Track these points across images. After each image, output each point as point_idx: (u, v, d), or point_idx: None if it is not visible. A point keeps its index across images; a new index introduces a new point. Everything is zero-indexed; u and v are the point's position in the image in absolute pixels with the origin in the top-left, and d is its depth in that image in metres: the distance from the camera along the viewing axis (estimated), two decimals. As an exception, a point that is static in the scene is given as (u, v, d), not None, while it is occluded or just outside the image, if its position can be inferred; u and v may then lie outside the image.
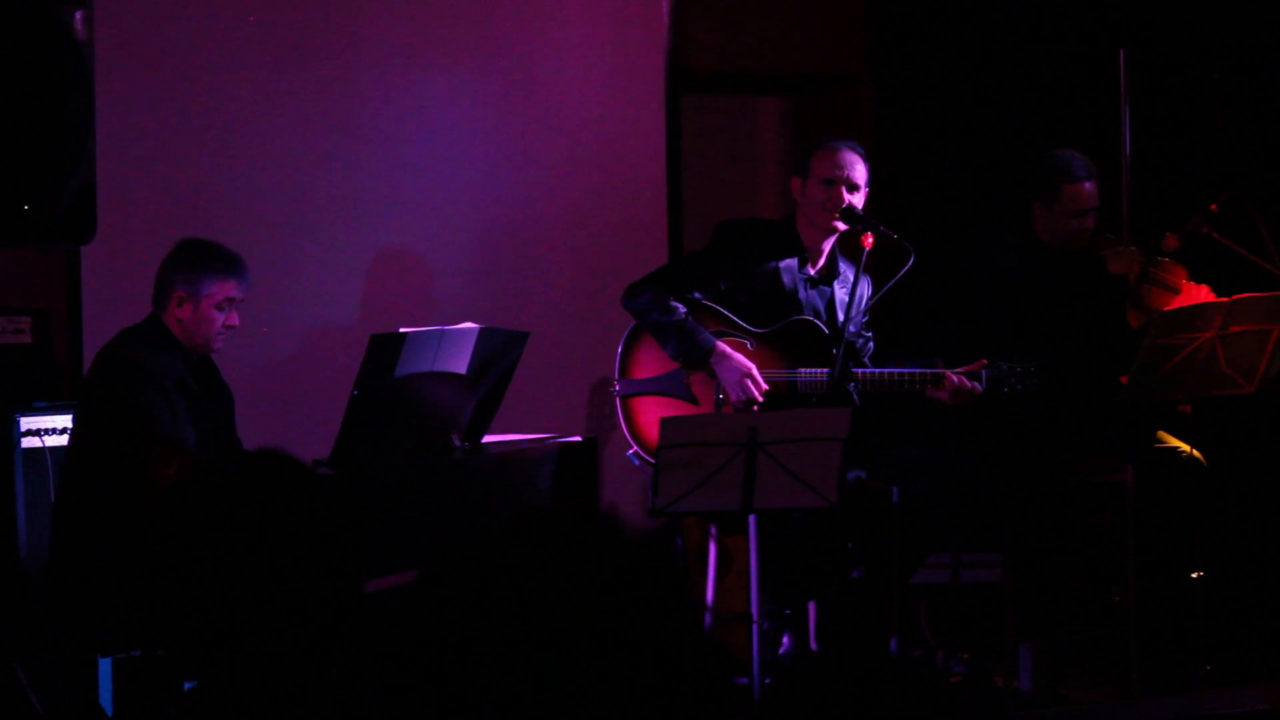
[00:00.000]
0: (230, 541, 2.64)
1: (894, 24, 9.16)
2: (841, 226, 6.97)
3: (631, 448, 6.99)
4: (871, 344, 7.14)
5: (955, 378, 6.78)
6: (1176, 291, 7.18)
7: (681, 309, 6.93)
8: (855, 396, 6.78)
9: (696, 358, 6.88)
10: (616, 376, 7.06)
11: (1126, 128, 7.42)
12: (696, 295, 6.99)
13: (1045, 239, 7.28)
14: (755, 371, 6.83)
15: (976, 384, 6.79)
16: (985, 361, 6.81)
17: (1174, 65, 8.40)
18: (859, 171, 6.97)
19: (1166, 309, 6.96)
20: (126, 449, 6.14)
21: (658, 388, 7.00)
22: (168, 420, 6.19)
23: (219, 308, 6.37)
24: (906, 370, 6.82)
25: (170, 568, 2.66)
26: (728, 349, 6.87)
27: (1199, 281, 7.19)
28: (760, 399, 6.78)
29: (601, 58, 8.39)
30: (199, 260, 6.40)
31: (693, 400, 6.94)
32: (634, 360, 7.06)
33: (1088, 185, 7.24)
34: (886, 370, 6.85)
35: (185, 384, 6.32)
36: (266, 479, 2.69)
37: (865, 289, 7.05)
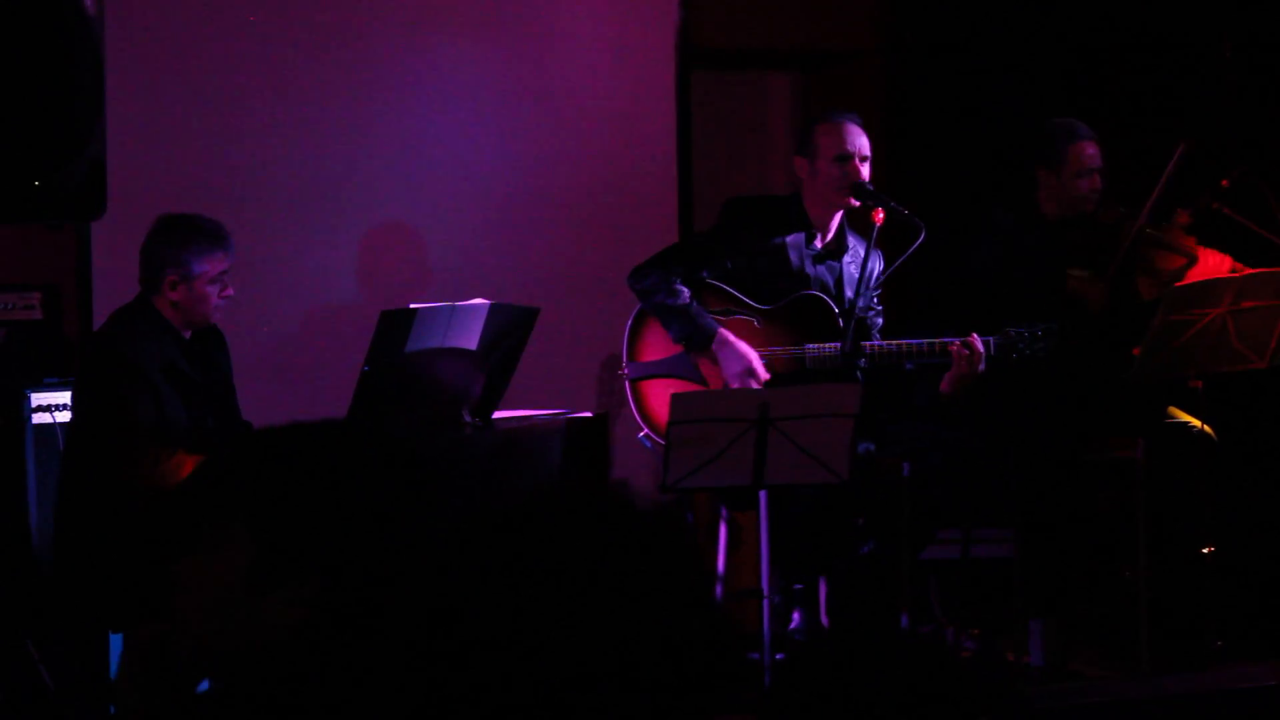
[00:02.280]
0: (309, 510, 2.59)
1: (904, 0, 9.14)
2: (855, 203, 6.96)
3: (643, 430, 6.98)
4: (880, 319, 7.13)
5: (961, 346, 6.77)
6: (1183, 253, 7.17)
7: (686, 293, 6.92)
8: (860, 374, 6.78)
9: (699, 343, 6.87)
10: (625, 360, 7.05)
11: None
12: (704, 274, 6.99)
13: (1052, 209, 7.27)
14: (756, 362, 6.82)
15: (980, 340, 6.77)
16: (975, 336, 6.81)
17: (1184, 39, 8.38)
18: (865, 142, 6.99)
19: (1180, 282, 6.94)
20: (111, 443, 6.14)
21: (667, 369, 7.00)
22: (151, 413, 6.16)
23: (213, 283, 6.34)
24: (913, 341, 6.82)
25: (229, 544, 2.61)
26: (730, 336, 6.86)
27: (1205, 245, 7.19)
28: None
29: (611, 34, 8.37)
30: (184, 239, 6.33)
31: (702, 381, 6.93)
32: (642, 343, 7.06)
33: (1090, 146, 7.26)
34: (894, 342, 6.85)
35: (176, 369, 6.28)
36: (350, 447, 2.66)
37: (876, 264, 7.05)
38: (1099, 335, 7.13)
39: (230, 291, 6.37)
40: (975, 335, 6.79)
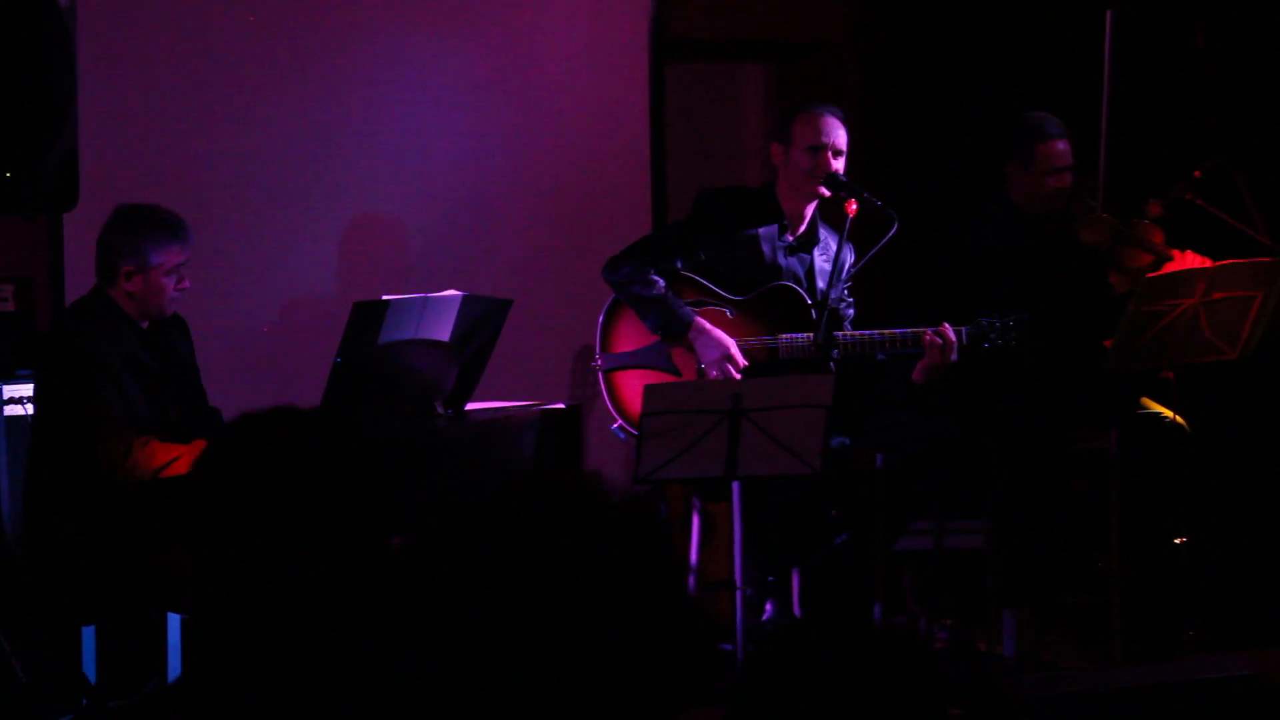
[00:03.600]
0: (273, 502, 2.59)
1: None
2: (826, 193, 6.97)
3: (616, 421, 6.99)
4: (852, 310, 7.14)
5: (933, 335, 6.79)
6: (1153, 251, 7.19)
7: (661, 282, 6.93)
8: (833, 364, 6.78)
9: (675, 331, 6.88)
10: (598, 351, 7.06)
11: (1106, 94, 7.39)
12: (678, 265, 6.99)
13: (1023, 204, 7.28)
14: (734, 349, 6.83)
15: (952, 329, 6.80)
16: (947, 325, 6.82)
17: (1156, 30, 8.39)
18: (842, 136, 6.99)
19: (1151, 275, 6.96)
20: (79, 436, 6.11)
21: (640, 360, 7.00)
22: (117, 403, 6.14)
23: (169, 274, 6.29)
24: (885, 332, 6.83)
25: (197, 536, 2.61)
26: (706, 325, 6.87)
27: (1180, 248, 7.21)
28: (738, 378, 6.78)
29: (585, 26, 8.36)
30: (141, 230, 6.28)
31: (675, 372, 6.94)
32: (615, 334, 7.06)
33: (1060, 144, 7.26)
34: (866, 333, 6.86)
35: (136, 360, 6.25)
36: (305, 436, 2.65)
37: (848, 256, 7.06)
38: (1105, 274, 7.15)
39: (187, 284, 6.32)
40: (947, 325, 6.81)
